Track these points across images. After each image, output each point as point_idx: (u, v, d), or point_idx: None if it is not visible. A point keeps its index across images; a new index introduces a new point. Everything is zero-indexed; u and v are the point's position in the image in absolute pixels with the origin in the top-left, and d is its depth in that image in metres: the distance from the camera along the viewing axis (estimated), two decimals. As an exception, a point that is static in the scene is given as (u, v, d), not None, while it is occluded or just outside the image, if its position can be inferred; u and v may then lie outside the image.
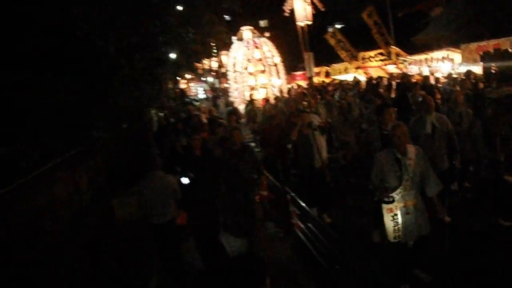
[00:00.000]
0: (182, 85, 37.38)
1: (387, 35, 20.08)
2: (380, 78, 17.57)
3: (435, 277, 5.04)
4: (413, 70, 17.67)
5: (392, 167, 4.70)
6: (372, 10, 20.15)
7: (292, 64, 29.00)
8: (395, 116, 6.18)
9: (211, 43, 21.08)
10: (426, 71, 16.55)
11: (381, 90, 12.56)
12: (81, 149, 7.11)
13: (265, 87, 21.11)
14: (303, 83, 23.78)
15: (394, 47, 19.82)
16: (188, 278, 6.20)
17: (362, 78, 19.70)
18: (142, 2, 8.98)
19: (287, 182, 8.32)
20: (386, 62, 20.51)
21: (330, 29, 25.25)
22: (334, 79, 22.92)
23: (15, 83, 5.87)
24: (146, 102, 10.86)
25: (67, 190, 6.09)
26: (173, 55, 14.57)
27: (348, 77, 21.95)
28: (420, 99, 7.13)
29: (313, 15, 20.44)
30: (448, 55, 15.63)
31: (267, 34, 22.64)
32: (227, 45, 23.55)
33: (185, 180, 6.09)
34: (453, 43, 16.35)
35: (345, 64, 22.96)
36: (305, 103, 10.45)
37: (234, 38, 22.13)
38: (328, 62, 25.37)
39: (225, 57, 27.69)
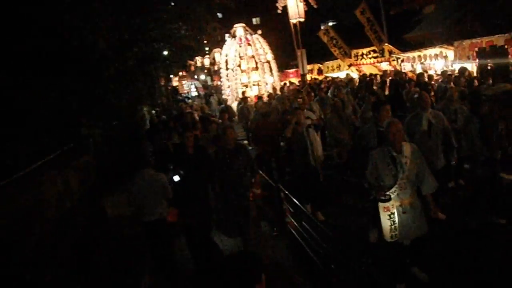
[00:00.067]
0: (175, 82, 37.30)
1: (380, 32, 20.09)
2: (372, 75, 17.56)
3: (432, 276, 4.96)
4: (406, 67, 17.68)
5: (387, 165, 4.61)
6: (365, 7, 20.15)
7: (284, 61, 28.96)
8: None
9: (204, 41, 20.91)
10: (419, 69, 16.55)
11: (375, 88, 12.52)
12: (69, 147, 6.97)
13: (258, 84, 21.04)
14: (296, 81, 23.75)
15: (387, 44, 19.81)
16: (180, 277, 6.12)
17: (355, 76, 19.69)
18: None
19: (280, 180, 8.23)
20: (379, 59, 20.53)
21: (323, 27, 25.18)
22: (327, 77, 22.92)
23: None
24: (138, 99, 10.74)
25: (55, 189, 5.97)
26: (165, 52, 14.43)
27: (341, 74, 21.98)
28: (416, 95, 7.05)
29: (306, 12, 20.35)
30: (441, 52, 15.62)
31: (259, 32, 22.48)
32: (219, 43, 23.46)
33: (176, 178, 5.98)
34: (446, 41, 16.35)
35: (338, 61, 22.95)
36: (299, 100, 10.36)
37: (226, 36, 22.03)
38: (320, 60, 25.36)
39: (217, 55, 27.62)
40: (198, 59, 35.71)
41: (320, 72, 24.78)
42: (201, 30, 14.34)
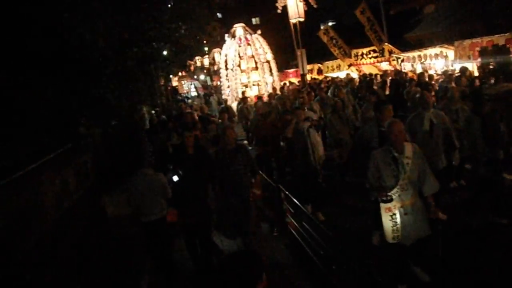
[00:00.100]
0: (174, 82, 37.28)
1: (380, 32, 20.07)
2: (373, 75, 17.54)
3: (434, 277, 4.93)
4: (406, 67, 17.66)
5: (388, 165, 4.56)
6: (365, 7, 20.15)
7: (284, 61, 28.94)
8: None
9: (204, 41, 20.88)
10: (419, 68, 16.54)
11: (375, 88, 12.49)
12: (68, 147, 6.93)
13: (257, 84, 20.99)
14: (296, 81, 23.73)
15: (387, 44, 19.78)
16: (180, 277, 6.09)
17: (355, 75, 19.67)
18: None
19: (280, 180, 8.19)
20: (379, 59, 20.51)
21: (322, 27, 25.16)
22: (327, 76, 22.90)
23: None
24: (137, 99, 10.70)
25: (54, 189, 5.92)
26: (165, 52, 14.40)
27: (341, 74, 21.96)
28: (417, 95, 7.02)
29: (305, 12, 20.32)
30: (441, 52, 15.61)
31: (259, 32, 22.45)
32: (219, 43, 23.43)
33: (175, 178, 5.95)
34: (446, 40, 16.36)
35: (338, 61, 22.95)
36: (301, 99, 10.33)
37: (226, 36, 22.00)
38: (320, 60, 25.34)
39: (217, 55, 27.59)
40: (198, 59, 35.67)
41: (320, 72, 24.78)
42: (201, 30, 14.28)
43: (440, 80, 13.16)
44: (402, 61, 18.34)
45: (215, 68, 31.46)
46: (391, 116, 5.47)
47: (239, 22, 22.05)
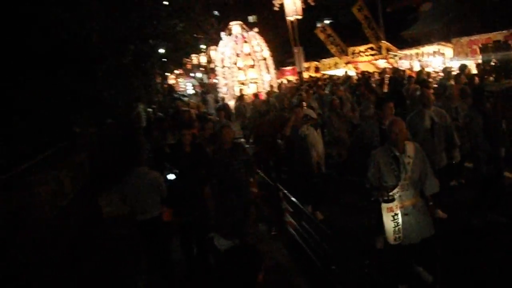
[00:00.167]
0: (171, 80, 37.17)
1: (377, 29, 20.03)
2: (370, 73, 17.50)
3: (436, 277, 4.85)
4: (403, 65, 17.65)
5: (389, 165, 4.46)
6: (362, 5, 20.12)
7: (281, 59, 28.84)
8: None
9: (200, 36, 20.79)
10: (416, 66, 16.51)
11: (373, 85, 12.43)
12: (62, 146, 6.84)
13: (255, 82, 20.91)
14: (293, 78, 23.68)
15: (384, 41, 19.75)
16: (177, 276, 6.06)
17: (352, 73, 19.63)
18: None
19: (279, 178, 8.12)
20: (376, 57, 20.49)
21: (319, 24, 25.10)
22: (324, 74, 22.86)
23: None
24: (133, 96, 10.61)
25: (48, 189, 5.82)
26: (161, 50, 14.32)
27: (338, 72, 21.92)
28: (417, 93, 6.95)
29: (302, 9, 20.23)
30: (439, 49, 15.57)
31: (256, 30, 22.34)
32: (215, 41, 23.32)
33: (171, 176, 5.88)
34: (443, 38, 16.31)
35: (335, 59, 22.92)
36: (300, 97, 10.25)
37: (222, 34, 21.88)
38: (317, 57, 25.29)
39: (213, 52, 27.47)
40: (194, 56, 35.53)
41: (317, 70, 24.74)
42: (198, 27, 14.21)
43: (438, 77, 13.16)
44: (400, 58, 18.32)
45: (212, 66, 31.37)
46: (392, 114, 5.40)
47: (235, 20, 21.95)
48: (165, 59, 15.18)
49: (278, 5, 20.50)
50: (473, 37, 13.80)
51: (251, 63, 20.87)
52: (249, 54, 20.93)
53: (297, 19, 19.78)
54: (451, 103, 7.24)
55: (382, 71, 15.86)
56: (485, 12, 16.58)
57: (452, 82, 9.55)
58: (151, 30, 9.77)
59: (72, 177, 6.89)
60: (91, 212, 7.73)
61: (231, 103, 17.79)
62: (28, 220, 5.33)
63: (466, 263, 5.14)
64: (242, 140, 12.82)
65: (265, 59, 21.17)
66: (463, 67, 10.53)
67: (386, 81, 13.28)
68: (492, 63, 10.61)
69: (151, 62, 11.16)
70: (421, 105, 6.20)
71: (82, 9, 7.09)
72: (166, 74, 29.63)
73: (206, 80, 39.36)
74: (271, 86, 19.15)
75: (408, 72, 15.37)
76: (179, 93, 32.86)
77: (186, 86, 37.95)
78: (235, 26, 21.28)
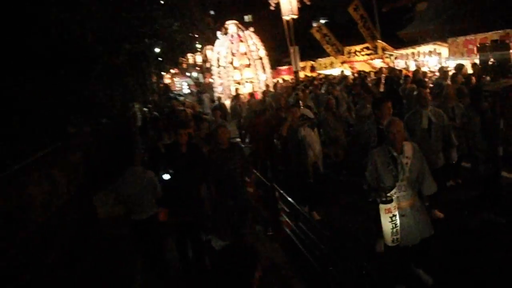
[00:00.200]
0: (166, 79, 37.06)
1: (373, 29, 20.03)
2: (366, 72, 17.49)
3: (436, 279, 4.83)
4: (399, 64, 17.65)
5: (387, 165, 4.43)
6: (358, 4, 20.11)
7: (277, 58, 28.83)
8: None
9: (195, 35, 20.70)
10: (412, 66, 16.52)
11: (370, 85, 12.41)
12: (56, 146, 6.78)
13: (251, 82, 20.87)
14: (289, 78, 23.65)
15: (380, 41, 19.76)
16: (173, 276, 6.04)
17: (348, 73, 19.62)
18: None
19: (274, 178, 8.08)
20: (372, 56, 20.49)
21: (315, 24, 25.10)
22: (320, 74, 22.85)
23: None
24: (129, 96, 10.53)
25: (42, 190, 5.77)
26: (157, 49, 14.24)
27: (334, 71, 21.91)
28: (415, 92, 6.92)
29: (298, 9, 20.21)
30: (435, 49, 15.58)
31: (251, 29, 22.31)
32: (211, 40, 23.25)
33: (166, 176, 5.84)
34: (439, 38, 16.33)
35: (331, 58, 22.91)
36: (297, 96, 10.22)
37: (218, 33, 21.83)
38: (313, 57, 25.28)
39: (209, 52, 27.39)
40: (190, 56, 35.43)
41: (313, 69, 24.72)
42: (194, 26, 14.14)
43: (434, 77, 13.16)
44: (396, 58, 18.32)
45: (207, 65, 31.28)
46: (390, 114, 5.36)
47: (231, 19, 21.90)
48: (161, 58, 15.08)
49: (274, 4, 20.46)
50: (469, 37, 13.81)
51: (247, 62, 20.83)
52: (245, 54, 20.89)
53: (293, 19, 19.79)
54: (448, 103, 7.22)
55: (379, 71, 15.85)
56: (480, 12, 16.60)
57: (449, 81, 9.55)
58: (147, 29, 9.70)
59: (67, 177, 6.83)
60: (87, 212, 7.67)
61: (227, 103, 17.75)
62: (22, 221, 5.27)
63: (463, 263, 5.12)
64: (238, 139, 12.80)
65: (261, 58, 21.14)
66: (459, 67, 10.52)
67: (383, 81, 13.27)
68: (490, 63, 10.59)
69: (147, 61, 11.09)
70: (419, 105, 6.17)
71: (79, 8, 7.02)
72: (162, 73, 29.48)
73: (201, 80, 39.29)
74: (267, 86, 19.12)
75: (404, 71, 15.37)
76: (175, 92, 32.79)
77: (182, 85, 37.82)
78: (231, 25, 21.23)
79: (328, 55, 22.99)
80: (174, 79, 38.24)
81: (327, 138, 9.02)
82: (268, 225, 7.13)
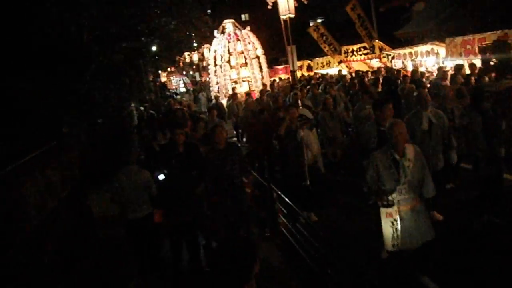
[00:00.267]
0: (163, 78, 36.99)
1: (371, 28, 20.01)
2: (363, 72, 17.45)
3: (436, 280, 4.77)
4: (397, 64, 17.60)
5: (389, 168, 4.34)
6: (355, 4, 20.08)
7: (273, 58, 28.80)
8: None
9: (192, 33, 20.64)
10: (410, 65, 16.48)
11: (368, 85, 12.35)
12: (50, 146, 6.70)
13: (247, 81, 20.82)
14: (285, 77, 23.62)
15: (377, 41, 19.73)
16: (169, 276, 6.01)
17: (345, 72, 19.59)
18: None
19: (272, 179, 8.01)
20: (369, 56, 20.47)
21: (312, 23, 25.07)
22: (316, 73, 22.82)
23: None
24: (125, 95, 10.45)
25: (36, 189, 5.69)
26: (154, 48, 14.17)
27: (331, 71, 21.88)
28: (415, 93, 6.84)
29: (296, 8, 20.16)
30: (432, 49, 15.54)
31: (248, 28, 22.26)
32: (208, 39, 23.20)
33: (161, 177, 5.79)
34: (436, 38, 16.29)
35: (328, 58, 22.87)
36: (295, 96, 10.16)
37: (215, 32, 21.77)
38: (310, 56, 25.25)
39: (206, 50, 27.34)
40: (187, 54, 35.36)
41: (309, 68, 24.68)
42: (191, 25, 14.07)
43: (431, 77, 13.12)
44: (393, 58, 18.29)
45: (204, 64, 31.21)
46: (392, 115, 5.29)
47: (228, 18, 21.86)
48: (158, 57, 15.03)
49: (271, 3, 20.40)
50: (467, 37, 13.76)
51: (244, 61, 20.79)
52: (242, 52, 20.86)
53: (290, 18, 19.74)
54: (447, 104, 7.18)
55: (377, 71, 15.81)
56: (479, 12, 16.58)
57: (447, 82, 9.50)
58: (144, 27, 9.61)
59: (62, 177, 6.75)
60: (82, 212, 7.60)
61: (224, 102, 17.69)
62: (17, 222, 5.20)
63: (464, 265, 5.06)
64: (234, 139, 12.74)
65: (258, 57, 21.10)
66: (459, 67, 10.47)
67: (381, 81, 13.22)
68: (492, 63, 10.52)
69: (144, 59, 11.03)
70: (419, 106, 6.09)
71: (75, 5, 6.93)
72: (159, 71, 29.42)
73: (198, 78, 39.23)
74: (264, 85, 19.07)
75: (402, 71, 15.34)
76: (172, 90, 32.72)
77: (179, 83, 37.75)
78: (228, 24, 21.19)
79: (325, 55, 22.95)
80: (171, 77, 38.15)
81: (325, 138, 8.97)
82: (265, 226, 7.07)
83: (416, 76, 11.29)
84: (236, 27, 21.45)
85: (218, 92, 20.31)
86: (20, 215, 5.26)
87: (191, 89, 34.55)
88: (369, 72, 17.37)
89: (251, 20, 37.89)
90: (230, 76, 20.63)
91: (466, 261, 5.17)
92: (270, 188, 6.77)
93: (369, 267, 4.38)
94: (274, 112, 9.12)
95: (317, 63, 24.09)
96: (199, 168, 5.84)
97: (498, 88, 7.55)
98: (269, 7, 20.59)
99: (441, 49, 15.05)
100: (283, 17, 19.79)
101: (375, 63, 20.18)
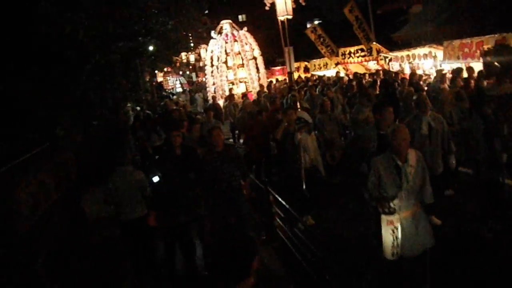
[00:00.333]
0: (159, 78, 36.92)
1: (368, 30, 20.00)
2: (361, 74, 17.42)
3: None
4: (394, 66, 17.58)
5: (391, 174, 4.25)
6: (353, 6, 20.05)
7: (270, 59, 28.78)
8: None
9: (190, 36, 20.60)
10: (407, 68, 16.47)
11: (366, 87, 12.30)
12: (44, 148, 6.63)
13: (244, 82, 20.77)
14: (282, 78, 23.58)
15: (375, 43, 19.73)
16: (164, 278, 6.01)
17: (342, 74, 19.56)
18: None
19: (269, 181, 7.94)
20: (367, 58, 20.46)
21: (309, 25, 25.06)
22: (313, 75, 22.79)
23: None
24: (121, 95, 10.37)
25: (30, 190, 5.61)
26: (150, 47, 14.08)
27: (328, 72, 21.86)
28: (414, 97, 6.76)
29: (293, 10, 20.13)
30: (430, 52, 15.52)
31: (245, 29, 22.24)
32: (205, 39, 23.14)
33: (155, 179, 5.72)
34: (433, 41, 16.28)
35: (325, 59, 22.86)
36: (294, 98, 10.10)
37: (212, 32, 21.71)
38: (307, 58, 25.23)
39: (203, 51, 27.30)
40: (184, 55, 35.30)
41: (306, 70, 24.66)
42: (189, 25, 13.99)
43: (428, 80, 13.09)
44: (390, 60, 18.27)
45: (201, 64, 31.17)
46: (392, 119, 5.22)
47: (225, 19, 21.82)
48: (155, 57, 14.95)
49: (269, 5, 20.37)
50: (465, 40, 13.74)
51: (241, 62, 20.75)
52: (239, 53, 20.82)
53: (288, 19, 19.71)
54: (445, 108, 7.13)
55: (376, 73, 15.78)
56: (476, 16, 16.58)
57: (446, 85, 9.46)
58: (141, 26, 9.53)
59: (56, 178, 6.67)
60: (76, 214, 7.52)
61: (220, 103, 17.61)
62: (11, 223, 5.13)
63: (464, 271, 5.02)
64: (231, 140, 12.66)
65: (255, 58, 21.06)
66: (458, 70, 10.42)
67: (379, 83, 13.18)
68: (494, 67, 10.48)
69: (140, 59, 10.95)
70: (418, 110, 6.03)
71: (70, 3, 6.84)
72: (155, 71, 29.33)
73: (194, 79, 39.18)
74: (261, 86, 19.03)
75: (400, 74, 15.31)
76: (168, 91, 32.64)
77: (175, 84, 37.69)
78: (225, 25, 21.15)
79: (322, 56, 22.94)
80: (167, 77, 38.07)
81: (323, 140, 8.90)
82: (262, 229, 7.00)
83: (415, 79, 11.23)
84: (234, 27, 21.41)
85: (215, 92, 20.23)
86: (13, 216, 5.19)
87: (188, 89, 34.49)
88: (367, 74, 17.30)
89: (248, 21, 37.92)
90: (227, 77, 20.58)
91: (466, 266, 5.12)
92: (267, 190, 6.71)
93: (367, 271, 4.30)
94: (272, 114, 9.06)
95: (314, 65, 24.07)
96: (197, 171, 5.77)
97: (499, 92, 7.51)
98: (267, 8, 20.55)
99: (439, 52, 15.03)
100: (280, 18, 19.74)
101: (373, 65, 20.16)
